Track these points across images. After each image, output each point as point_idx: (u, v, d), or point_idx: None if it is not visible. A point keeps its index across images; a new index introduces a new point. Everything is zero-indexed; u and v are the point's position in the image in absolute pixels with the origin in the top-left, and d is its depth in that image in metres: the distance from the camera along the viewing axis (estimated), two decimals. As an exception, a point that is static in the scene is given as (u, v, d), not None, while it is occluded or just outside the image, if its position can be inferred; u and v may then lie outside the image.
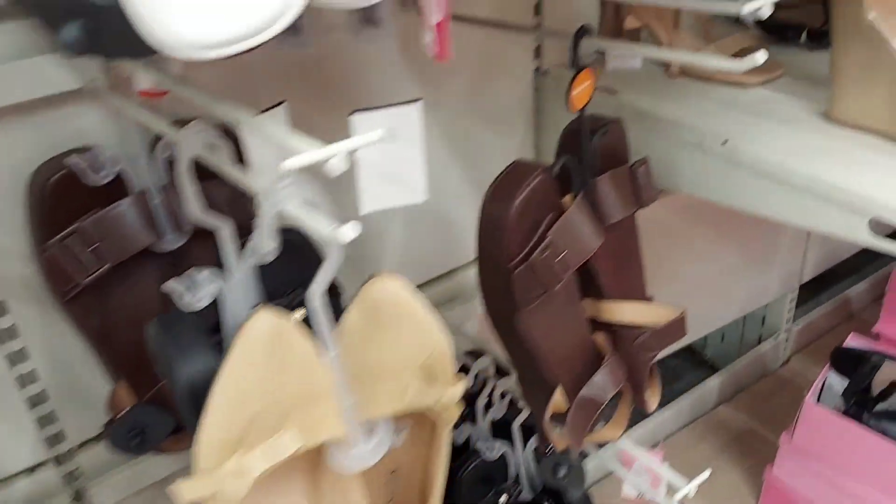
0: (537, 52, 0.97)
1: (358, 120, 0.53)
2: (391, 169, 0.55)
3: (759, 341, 1.67)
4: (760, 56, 0.53)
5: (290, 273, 0.64)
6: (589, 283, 0.79)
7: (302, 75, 0.79)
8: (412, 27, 0.82)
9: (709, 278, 1.42)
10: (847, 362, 1.21)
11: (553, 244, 0.67)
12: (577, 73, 0.65)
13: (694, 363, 1.73)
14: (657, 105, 0.86)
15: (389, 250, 0.96)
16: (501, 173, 0.69)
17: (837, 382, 1.24)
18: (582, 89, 0.67)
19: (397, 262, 0.97)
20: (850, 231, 0.71)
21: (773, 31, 1.00)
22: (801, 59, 0.97)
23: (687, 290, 1.37)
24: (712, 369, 1.67)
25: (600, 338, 0.79)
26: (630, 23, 0.94)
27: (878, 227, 0.69)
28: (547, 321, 0.72)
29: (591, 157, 0.73)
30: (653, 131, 0.85)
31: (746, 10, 0.51)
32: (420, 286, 1.02)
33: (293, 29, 0.62)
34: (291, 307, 0.60)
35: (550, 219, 0.68)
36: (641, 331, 0.79)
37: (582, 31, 0.65)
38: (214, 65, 0.39)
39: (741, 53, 0.92)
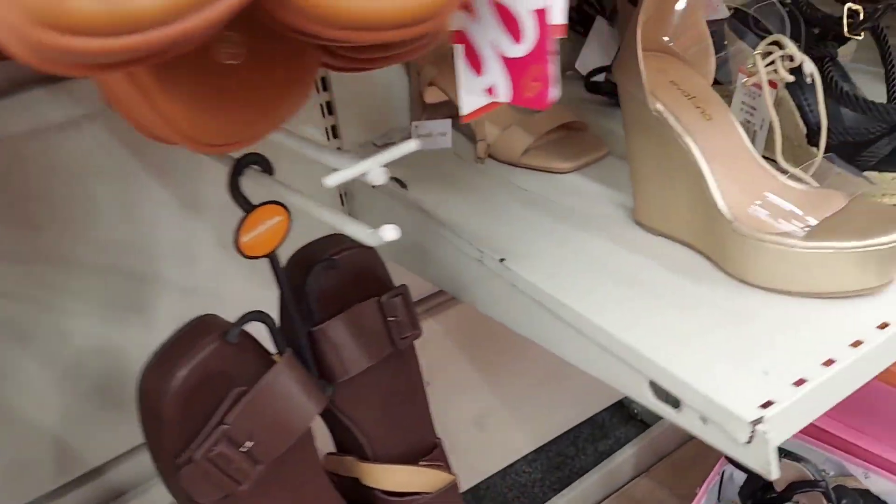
0: (335, 132, 0.81)
1: None
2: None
3: (682, 400, 1.51)
4: (390, 233, 0.37)
5: None
6: (348, 437, 0.64)
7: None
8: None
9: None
10: (743, 456, 1.04)
11: (232, 434, 0.51)
12: (248, 213, 0.49)
13: (622, 419, 1.58)
14: (444, 204, 0.70)
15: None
16: (177, 332, 0.53)
17: (740, 473, 1.08)
18: (263, 231, 0.51)
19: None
20: (633, 389, 0.55)
21: (610, 94, 0.83)
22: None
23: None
24: (643, 424, 1.51)
25: (359, 513, 0.64)
26: (431, 96, 0.78)
27: (660, 389, 0.53)
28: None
29: (310, 301, 0.58)
30: (437, 236, 0.69)
31: (330, 183, 0.35)
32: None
33: None
34: None
35: (234, 397, 0.52)
36: (410, 500, 0.64)
37: (242, 164, 0.49)
38: None
39: (561, 129, 0.76)
